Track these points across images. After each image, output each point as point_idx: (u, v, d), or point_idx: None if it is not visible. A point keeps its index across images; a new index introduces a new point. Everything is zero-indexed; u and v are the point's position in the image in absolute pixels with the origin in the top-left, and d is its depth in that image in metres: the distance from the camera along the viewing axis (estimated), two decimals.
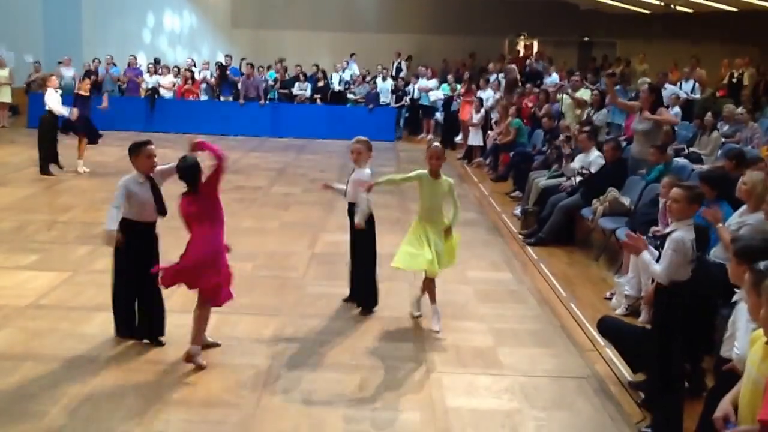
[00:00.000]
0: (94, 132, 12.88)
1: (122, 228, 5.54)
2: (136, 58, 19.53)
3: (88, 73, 13.64)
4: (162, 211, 5.63)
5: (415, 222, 6.38)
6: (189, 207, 5.33)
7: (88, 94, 12.76)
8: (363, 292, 6.64)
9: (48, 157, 12.34)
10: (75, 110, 12.31)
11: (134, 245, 5.57)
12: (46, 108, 12.26)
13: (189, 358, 5.30)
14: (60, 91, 12.66)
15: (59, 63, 18.96)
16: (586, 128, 9.97)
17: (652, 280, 5.14)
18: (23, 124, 18.39)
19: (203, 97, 19.15)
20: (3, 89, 17.97)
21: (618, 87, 12.45)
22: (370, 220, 6.48)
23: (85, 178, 12.20)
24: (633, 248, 4.98)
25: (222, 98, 19.06)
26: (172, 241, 5.77)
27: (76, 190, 11.19)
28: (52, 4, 21.12)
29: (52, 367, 5.22)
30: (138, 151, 5.70)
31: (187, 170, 5.32)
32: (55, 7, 21.11)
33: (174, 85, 18.92)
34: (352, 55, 22.19)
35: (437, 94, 18.55)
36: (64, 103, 12.47)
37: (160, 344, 5.68)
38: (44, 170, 12.26)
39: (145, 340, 5.72)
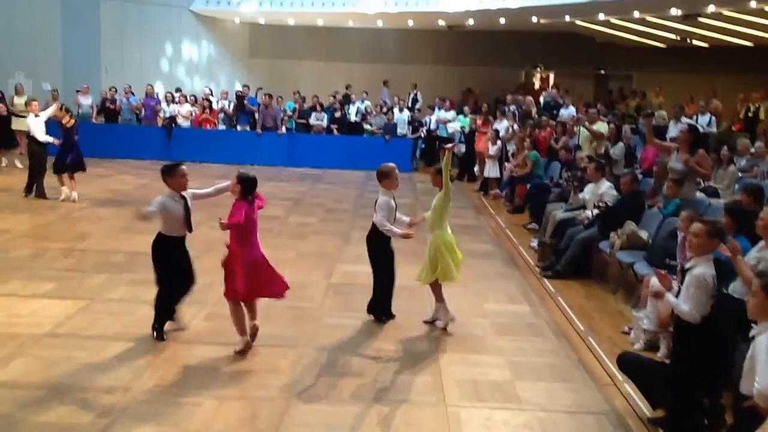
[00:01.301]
0: (78, 163, 12.70)
1: (157, 242, 6.37)
2: (153, 88, 19.73)
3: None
4: (190, 228, 6.38)
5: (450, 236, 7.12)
6: (251, 215, 6.16)
7: (69, 125, 12.63)
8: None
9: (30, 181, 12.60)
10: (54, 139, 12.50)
11: (168, 256, 6.33)
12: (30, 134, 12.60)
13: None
14: (42, 117, 12.74)
15: (77, 91, 19.19)
16: (595, 160, 9.98)
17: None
18: None
19: (221, 127, 19.30)
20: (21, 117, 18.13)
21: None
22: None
23: (103, 206, 12.26)
24: (659, 295, 4.99)
25: (239, 127, 19.19)
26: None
27: (93, 218, 11.25)
28: (71, 32, 21.43)
29: (68, 396, 5.21)
30: (172, 172, 6.39)
31: (252, 181, 6.17)
32: (74, 36, 21.41)
33: (191, 114, 19.07)
34: (385, 83, 22.42)
35: (455, 126, 18.59)
36: (49, 132, 12.65)
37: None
38: (28, 192, 12.55)
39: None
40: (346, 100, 20.39)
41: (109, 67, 21.87)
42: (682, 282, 5.50)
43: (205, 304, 7.22)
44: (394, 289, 7.22)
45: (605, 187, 9.42)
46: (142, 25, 22.59)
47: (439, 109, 19.04)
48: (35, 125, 12.53)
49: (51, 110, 12.92)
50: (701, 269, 4.74)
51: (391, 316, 7.19)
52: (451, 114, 18.92)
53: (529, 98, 18.80)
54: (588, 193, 9.68)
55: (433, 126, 18.97)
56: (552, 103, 18.77)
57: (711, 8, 15.70)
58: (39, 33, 20.86)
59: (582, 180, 10.40)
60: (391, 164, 7.08)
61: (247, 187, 6.12)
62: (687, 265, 4.99)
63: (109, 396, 5.25)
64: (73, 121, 12.80)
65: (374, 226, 6.97)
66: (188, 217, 6.32)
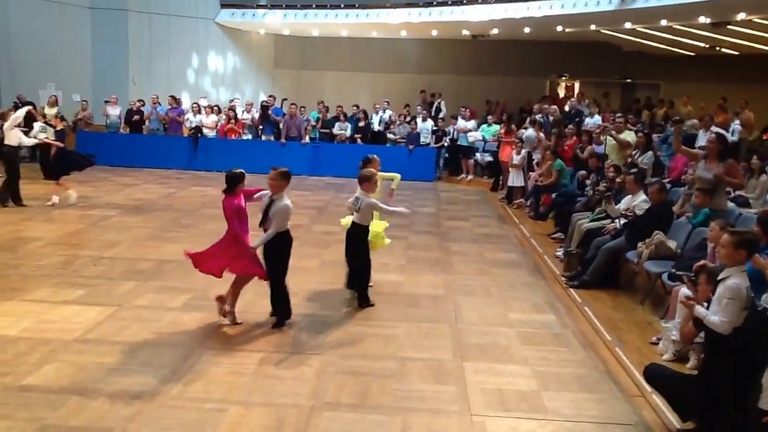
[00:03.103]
0: (63, 166, 13.21)
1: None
2: (175, 98, 19.91)
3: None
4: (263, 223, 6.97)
5: None
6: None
7: (59, 128, 13.34)
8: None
9: (8, 190, 12.79)
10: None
11: (285, 249, 7.01)
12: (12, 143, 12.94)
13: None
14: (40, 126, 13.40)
15: (106, 102, 19.46)
16: (633, 170, 9.86)
17: (695, 321, 5.06)
18: None
19: (246, 137, 19.43)
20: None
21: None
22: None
23: (131, 214, 12.40)
24: (690, 305, 4.94)
25: (264, 137, 19.32)
26: None
27: (121, 227, 11.36)
28: (100, 44, 21.81)
29: (97, 402, 5.26)
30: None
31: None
32: (103, 48, 21.79)
33: (216, 125, 19.24)
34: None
35: (476, 135, 18.54)
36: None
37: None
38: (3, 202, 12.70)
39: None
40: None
41: (137, 78, 22.18)
42: (694, 290, 5.46)
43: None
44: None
45: (641, 199, 9.28)
46: (168, 37, 22.88)
47: (462, 118, 19.02)
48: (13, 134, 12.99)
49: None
50: (735, 280, 4.68)
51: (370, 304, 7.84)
52: (472, 123, 18.88)
53: (554, 107, 18.71)
54: (625, 204, 9.56)
55: (455, 136, 18.95)
56: (573, 112, 18.65)
57: (741, 15, 15.54)
58: (69, 45, 21.25)
59: (610, 190, 10.33)
60: (372, 170, 7.91)
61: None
62: (720, 276, 4.93)
63: (137, 401, 5.30)
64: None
65: (354, 224, 7.75)
66: (265, 214, 6.98)
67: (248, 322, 7.10)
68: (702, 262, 6.13)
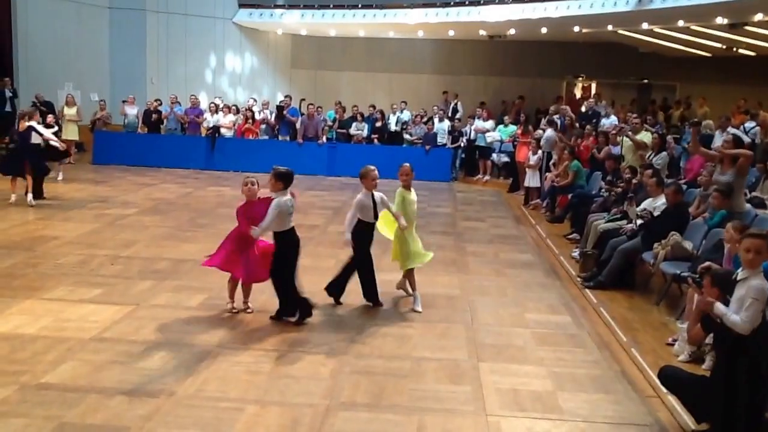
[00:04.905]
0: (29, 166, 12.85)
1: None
2: (197, 98, 20.03)
3: (25, 114, 13.60)
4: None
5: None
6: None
7: (22, 129, 12.94)
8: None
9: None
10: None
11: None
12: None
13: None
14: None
15: (124, 102, 19.61)
16: (649, 171, 9.81)
17: (702, 323, 5.04)
18: (88, 160, 19.03)
19: (263, 137, 19.49)
20: (71, 127, 18.52)
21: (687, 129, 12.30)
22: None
23: (148, 214, 12.49)
24: (706, 305, 4.92)
25: (280, 138, 19.38)
26: None
27: (138, 226, 11.44)
28: (118, 44, 22.02)
29: (115, 400, 5.30)
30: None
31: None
32: (121, 48, 21.99)
33: (234, 125, 19.33)
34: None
35: (494, 136, 18.51)
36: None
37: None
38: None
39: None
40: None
41: (155, 78, 22.34)
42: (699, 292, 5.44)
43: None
44: (375, 277, 7.97)
45: (661, 201, 9.23)
46: (186, 37, 23.02)
47: (478, 118, 18.99)
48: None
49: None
50: (758, 280, 4.66)
51: (379, 304, 7.92)
52: (489, 123, 18.85)
53: (564, 107, 18.66)
54: (645, 206, 9.51)
55: (472, 136, 18.92)
56: (590, 113, 18.57)
57: (759, 16, 15.44)
58: (87, 45, 21.45)
59: (626, 192, 10.28)
60: (370, 166, 7.92)
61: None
62: (740, 276, 4.90)
63: (153, 400, 5.34)
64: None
65: (357, 222, 7.83)
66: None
67: (264, 321, 7.15)
68: (707, 264, 6.10)
